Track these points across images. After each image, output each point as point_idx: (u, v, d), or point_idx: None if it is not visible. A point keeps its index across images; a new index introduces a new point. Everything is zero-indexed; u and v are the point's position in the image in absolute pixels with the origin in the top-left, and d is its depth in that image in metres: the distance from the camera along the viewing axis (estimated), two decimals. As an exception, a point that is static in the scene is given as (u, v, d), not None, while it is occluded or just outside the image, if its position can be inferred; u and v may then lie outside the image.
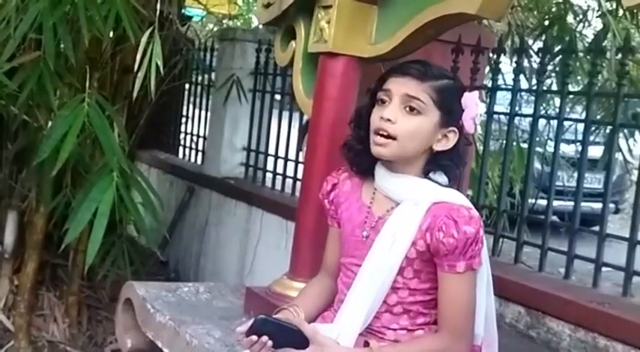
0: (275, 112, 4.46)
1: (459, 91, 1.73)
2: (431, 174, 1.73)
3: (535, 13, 4.52)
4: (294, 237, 2.44)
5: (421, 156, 1.73)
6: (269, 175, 4.36)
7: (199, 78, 5.40)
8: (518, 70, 3.03)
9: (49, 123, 3.38)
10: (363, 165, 1.81)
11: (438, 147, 1.71)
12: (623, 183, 6.84)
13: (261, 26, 4.65)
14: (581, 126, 2.85)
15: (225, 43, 4.77)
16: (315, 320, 1.85)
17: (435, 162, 1.73)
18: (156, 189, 3.73)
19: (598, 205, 2.78)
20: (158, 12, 2.86)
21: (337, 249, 1.89)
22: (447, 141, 1.71)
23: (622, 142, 3.71)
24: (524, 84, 3.48)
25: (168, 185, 5.29)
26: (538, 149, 3.79)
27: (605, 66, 3.24)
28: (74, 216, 3.00)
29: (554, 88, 3.78)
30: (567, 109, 3.23)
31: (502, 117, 3.35)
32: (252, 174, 4.51)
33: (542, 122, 3.51)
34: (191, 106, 5.56)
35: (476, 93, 1.75)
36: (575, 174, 2.93)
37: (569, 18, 4.31)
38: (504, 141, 3.15)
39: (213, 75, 5.06)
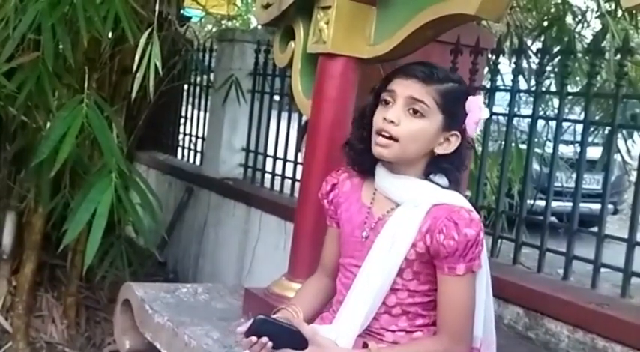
0: (274, 113, 4.46)
1: (464, 95, 1.72)
2: (431, 176, 1.73)
3: (534, 13, 4.52)
4: (293, 237, 2.44)
5: (422, 159, 1.72)
6: (268, 176, 4.36)
7: (198, 79, 5.40)
8: (517, 71, 3.03)
9: (48, 124, 3.38)
10: (365, 164, 1.80)
11: (440, 150, 1.71)
12: (621, 183, 6.84)
13: (260, 27, 4.64)
14: (579, 127, 2.85)
15: (224, 44, 4.77)
16: (313, 319, 1.85)
17: (436, 165, 1.72)
18: (154, 189, 3.73)
19: (596, 206, 2.78)
20: (157, 13, 2.87)
21: (335, 248, 1.89)
22: (448, 145, 1.71)
23: (620, 143, 3.71)
24: (522, 85, 3.48)
25: (167, 186, 5.29)
26: (537, 150, 3.79)
27: (603, 67, 3.24)
28: (73, 216, 3.00)
29: (553, 88, 3.79)
30: (566, 110, 3.23)
31: (501, 118, 3.35)
32: (250, 174, 4.51)
33: (540, 123, 3.51)
34: (190, 107, 5.56)
35: (480, 97, 1.75)
36: (574, 175, 2.93)
37: (568, 19, 4.32)
38: (503, 142, 3.15)
39: (212, 76, 5.05)
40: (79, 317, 4.09)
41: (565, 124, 3.02)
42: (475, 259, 1.65)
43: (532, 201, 4.15)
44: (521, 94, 3.43)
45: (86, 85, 3.15)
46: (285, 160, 4.16)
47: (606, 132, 3.51)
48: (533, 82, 3.13)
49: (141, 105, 4.35)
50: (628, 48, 2.62)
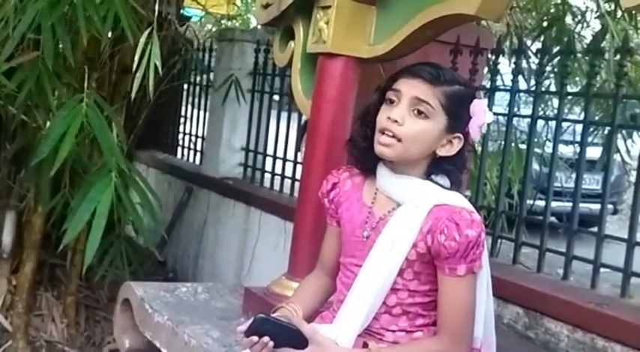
0: (274, 113, 4.46)
1: (469, 98, 1.72)
2: (433, 176, 1.72)
3: (534, 14, 4.52)
4: (293, 237, 2.44)
5: (424, 160, 1.72)
6: (267, 175, 4.35)
7: (198, 78, 5.40)
8: (516, 71, 3.03)
9: (48, 123, 3.38)
10: (367, 163, 1.80)
11: (442, 152, 1.71)
12: (621, 184, 6.84)
13: (259, 26, 4.64)
14: (579, 127, 2.85)
15: (223, 44, 4.77)
16: (312, 317, 1.86)
17: (437, 166, 1.72)
18: (154, 189, 3.73)
19: (596, 206, 2.78)
20: (157, 12, 2.87)
21: (335, 246, 1.89)
22: (451, 147, 1.71)
23: (620, 143, 3.71)
24: (522, 85, 3.48)
25: (167, 185, 5.29)
26: (536, 150, 3.79)
27: (603, 67, 3.24)
28: (72, 216, 3.00)
29: (553, 88, 3.79)
30: (566, 110, 3.23)
31: (500, 118, 3.35)
32: (250, 174, 4.51)
33: (540, 123, 3.51)
34: (189, 106, 5.56)
35: (485, 101, 1.75)
36: (574, 175, 2.93)
37: (568, 19, 4.31)
38: (503, 142, 3.15)
39: (211, 75, 5.05)
40: (78, 317, 4.09)
41: (565, 124, 3.02)
42: (476, 260, 1.65)
43: (532, 201, 4.15)
44: (521, 94, 3.43)
45: (86, 84, 3.15)
46: (284, 160, 4.16)
47: (606, 132, 3.51)
48: (532, 82, 3.13)
49: (141, 104, 4.35)
50: (628, 48, 2.62)
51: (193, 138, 5.35)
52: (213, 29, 6.55)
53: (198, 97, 5.34)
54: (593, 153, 3.61)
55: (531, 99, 3.00)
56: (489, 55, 3.12)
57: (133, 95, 2.93)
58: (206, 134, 4.98)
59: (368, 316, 1.71)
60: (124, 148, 3.48)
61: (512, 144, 3.69)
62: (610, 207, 6.48)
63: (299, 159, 3.87)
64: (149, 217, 3.36)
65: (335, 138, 2.30)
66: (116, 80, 4.10)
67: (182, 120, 5.64)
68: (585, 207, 3.01)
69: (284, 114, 4.30)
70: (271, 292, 2.39)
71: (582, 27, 4.47)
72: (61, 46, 3.16)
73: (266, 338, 1.62)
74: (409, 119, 1.68)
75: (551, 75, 3.83)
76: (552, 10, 4.41)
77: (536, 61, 2.95)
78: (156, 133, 5.62)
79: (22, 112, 3.40)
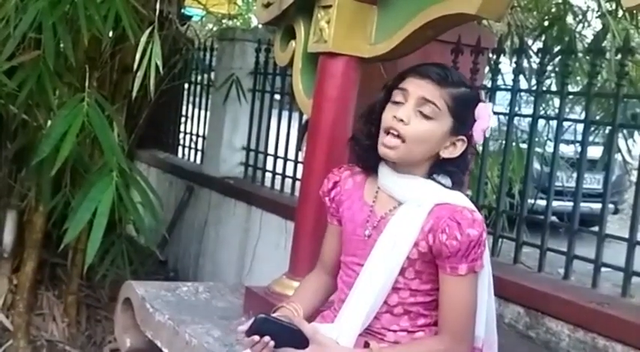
0: (274, 112, 4.46)
1: (475, 101, 1.72)
2: (435, 176, 1.72)
3: (535, 13, 4.52)
4: (294, 236, 2.44)
5: (427, 161, 1.72)
6: (268, 175, 4.35)
7: (199, 77, 5.40)
8: (517, 71, 3.02)
9: (49, 123, 3.38)
10: (369, 161, 1.80)
11: (445, 154, 1.71)
12: (622, 183, 6.84)
13: (260, 26, 4.64)
14: (580, 127, 2.85)
15: (224, 43, 4.77)
16: (313, 316, 1.85)
17: (440, 168, 1.72)
18: (155, 188, 3.73)
19: (597, 205, 2.78)
20: (158, 11, 2.86)
21: (335, 245, 1.89)
22: (454, 149, 1.71)
23: (621, 143, 3.70)
24: (523, 84, 3.48)
25: (168, 184, 5.29)
26: (537, 149, 3.78)
27: (604, 66, 3.23)
28: (73, 215, 3.00)
29: (554, 88, 3.78)
30: (567, 110, 3.22)
31: (501, 117, 3.35)
32: (251, 173, 4.51)
33: (541, 122, 3.51)
34: (190, 106, 5.56)
35: (490, 105, 1.75)
36: (575, 175, 2.93)
37: (569, 18, 4.31)
38: (504, 142, 3.15)
39: (212, 74, 5.05)
40: (79, 316, 4.09)
41: (566, 124, 3.02)
42: (477, 259, 1.65)
43: (533, 201, 4.14)
44: (522, 94, 3.42)
45: (87, 83, 3.15)
46: (285, 159, 4.16)
47: (607, 131, 3.51)
48: (534, 82, 3.12)
49: (141, 103, 4.35)
50: (629, 47, 2.61)
51: (194, 138, 5.36)
52: (214, 28, 6.55)
53: (199, 97, 5.34)
54: (594, 152, 3.60)
55: (532, 98, 3.00)
56: (490, 55, 3.12)
57: (133, 94, 2.92)
58: (207, 133, 4.98)
59: (369, 315, 1.71)
60: (125, 147, 3.48)
61: (514, 144, 3.68)
62: (611, 206, 6.49)
63: (300, 159, 3.87)
64: (150, 216, 3.36)
65: (336, 138, 2.30)
66: (117, 79, 4.10)
67: (183, 119, 5.65)
68: (586, 206, 3.01)
69: (285, 114, 4.29)
70: (272, 291, 2.39)
71: (583, 26, 4.46)
72: (62, 45, 3.16)
73: (267, 338, 1.62)
74: (415, 119, 1.67)
75: (552, 74, 3.83)
76: (553, 10, 4.40)
77: (538, 60, 2.95)
78: (157, 133, 5.62)
79: (23, 111, 3.40)
